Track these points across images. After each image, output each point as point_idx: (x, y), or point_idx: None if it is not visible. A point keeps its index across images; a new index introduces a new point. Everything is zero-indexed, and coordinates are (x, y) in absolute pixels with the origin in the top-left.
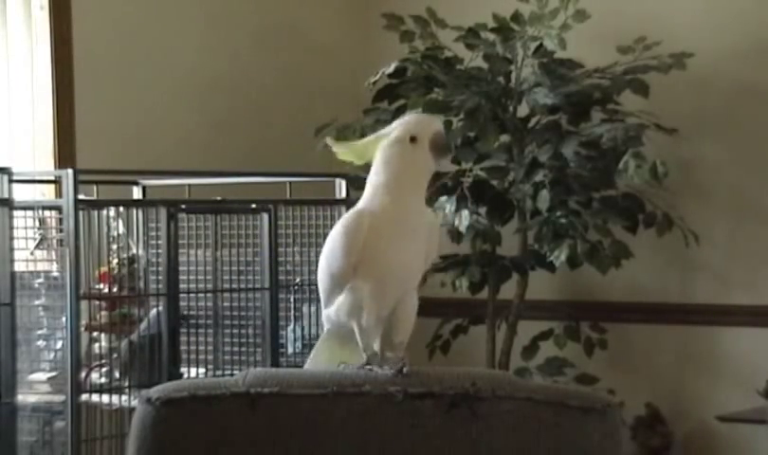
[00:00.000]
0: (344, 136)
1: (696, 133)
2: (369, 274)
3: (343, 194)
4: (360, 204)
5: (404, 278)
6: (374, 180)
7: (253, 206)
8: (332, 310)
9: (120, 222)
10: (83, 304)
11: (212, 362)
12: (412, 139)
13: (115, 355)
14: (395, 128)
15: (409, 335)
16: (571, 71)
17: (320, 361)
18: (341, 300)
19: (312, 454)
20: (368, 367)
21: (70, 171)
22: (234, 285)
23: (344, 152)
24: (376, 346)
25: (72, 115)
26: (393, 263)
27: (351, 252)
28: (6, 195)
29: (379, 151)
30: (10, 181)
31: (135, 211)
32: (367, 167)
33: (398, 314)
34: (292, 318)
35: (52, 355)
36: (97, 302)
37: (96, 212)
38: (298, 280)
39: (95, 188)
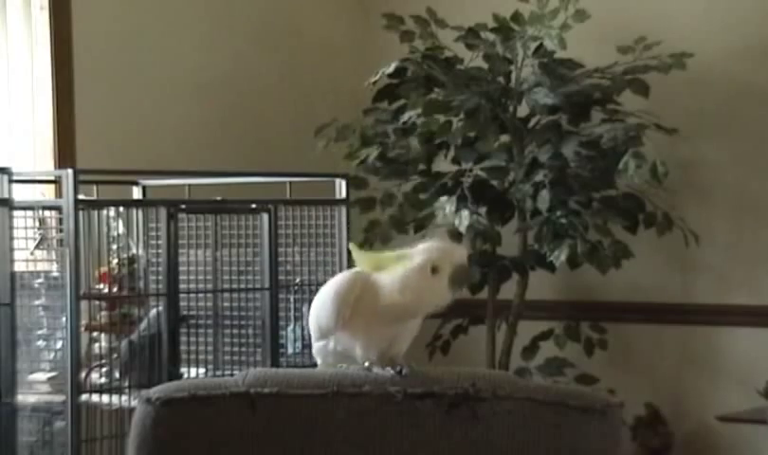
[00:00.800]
0: (344, 136)
1: (696, 133)
2: (357, 333)
3: (343, 194)
4: (367, 274)
5: (395, 336)
6: (387, 290)
7: (253, 206)
8: (326, 345)
9: (120, 222)
10: (83, 304)
11: (212, 362)
12: (434, 270)
13: (115, 355)
14: (420, 253)
15: (407, 346)
16: (571, 71)
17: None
18: (332, 345)
19: (312, 454)
20: (368, 367)
21: (70, 171)
22: (234, 285)
23: (363, 263)
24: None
25: (72, 115)
26: (380, 332)
27: (337, 317)
28: (6, 195)
29: (400, 273)
30: (10, 181)
31: (135, 211)
32: (367, 167)
33: (397, 339)
34: (292, 318)
35: (52, 355)
36: (97, 302)
37: (96, 212)
38: (298, 280)
39: (95, 188)
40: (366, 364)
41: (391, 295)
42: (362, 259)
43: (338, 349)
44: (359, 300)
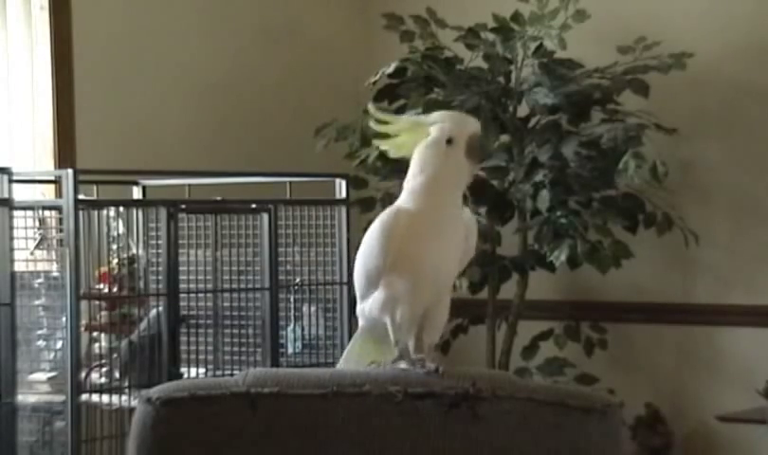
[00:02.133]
0: (344, 136)
1: (696, 133)
2: (404, 271)
3: (343, 194)
4: (397, 203)
5: (438, 277)
6: (410, 181)
7: (253, 206)
8: (366, 305)
9: (120, 222)
10: (83, 304)
11: (212, 362)
12: (449, 141)
13: (115, 355)
14: (433, 124)
15: (439, 336)
16: (571, 71)
17: (352, 358)
18: (376, 295)
19: (312, 454)
20: (401, 365)
21: (70, 171)
22: (234, 285)
23: (383, 140)
24: (411, 344)
25: (72, 115)
26: (427, 263)
27: (387, 251)
28: (6, 195)
29: (416, 152)
30: (10, 181)
31: (135, 211)
32: (367, 167)
33: (431, 315)
34: (292, 318)
35: (52, 355)
36: (97, 302)
37: (96, 212)
38: (298, 280)
39: (95, 188)
40: (396, 354)
41: (415, 178)
42: (378, 121)
43: (377, 306)
44: (407, 231)
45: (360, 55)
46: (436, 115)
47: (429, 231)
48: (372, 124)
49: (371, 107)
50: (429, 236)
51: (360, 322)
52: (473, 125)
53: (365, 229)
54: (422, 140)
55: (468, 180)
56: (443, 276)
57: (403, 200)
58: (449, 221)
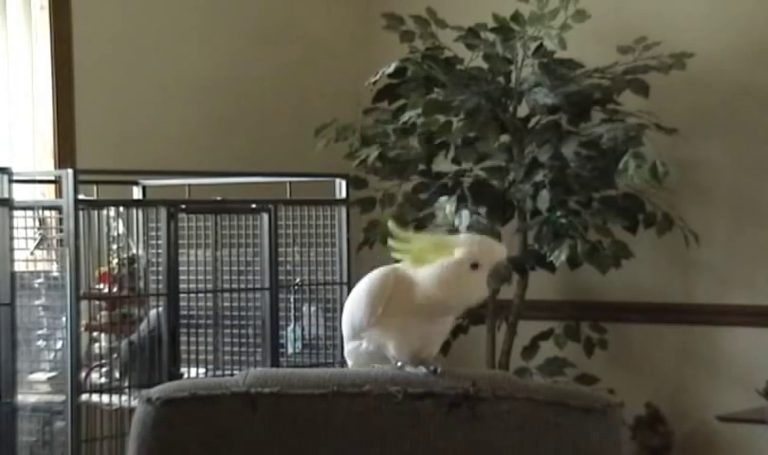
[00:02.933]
0: (344, 136)
1: (696, 133)
2: (390, 330)
3: (343, 194)
4: (400, 267)
5: (428, 335)
6: (422, 283)
7: (253, 206)
8: (358, 347)
9: (120, 222)
10: (83, 304)
11: (212, 362)
12: (474, 266)
13: (115, 355)
14: (460, 247)
15: (438, 348)
16: (571, 71)
17: None
18: (365, 345)
19: (312, 454)
20: (400, 366)
21: (70, 171)
22: (234, 285)
23: (399, 243)
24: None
25: (72, 115)
26: (413, 330)
27: (370, 313)
28: (6, 195)
29: (437, 266)
30: (10, 181)
31: (135, 211)
32: (367, 167)
33: (426, 340)
34: (292, 318)
35: (52, 355)
36: (97, 302)
37: (96, 212)
38: (298, 280)
39: (95, 188)
40: (399, 364)
41: (427, 289)
42: (399, 240)
43: (370, 349)
44: (393, 296)
45: (360, 55)
46: (464, 238)
47: (418, 317)
48: (391, 242)
49: (391, 225)
50: (416, 322)
51: (349, 363)
52: (501, 253)
53: (366, 229)
54: (444, 256)
55: (482, 299)
56: (434, 333)
57: (408, 274)
58: (441, 316)
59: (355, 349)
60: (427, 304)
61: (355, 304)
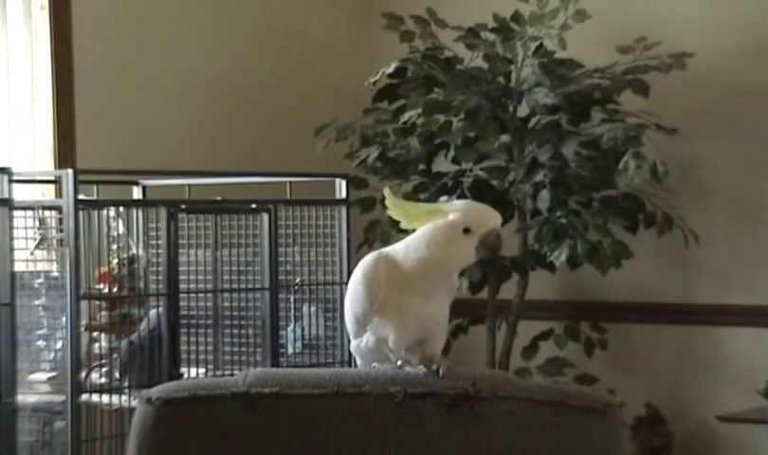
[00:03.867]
0: (344, 136)
1: (696, 133)
2: (391, 315)
3: (343, 194)
4: (386, 251)
5: (427, 319)
6: (412, 251)
7: (253, 206)
8: (360, 343)
9: (120, 222)
10: (83, 304)
11: (212, 362)
12: (466, 230)
13: (115, 355)
14: (454, 211)
15: (441, 346)
16: (571, 71)
17: None
18: (368, 336)
19: (312, 454)
20: (400, 365)
21: (70, 171)
22: (234, 285)
23: (395, 209)
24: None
25: (72, 115)
26: (413, 311)
27: (372, 297)
28: (6, 195)
29: (429, 227)
30: (10, 181)
31: (135, 211)
32: (367, 167)
33: (429, 333)
34: (292, 318)
35: (52, 355)
36: (97, 302)
37: (96, 212)
38: (298, 280)
39: (95, 188)
40: (399, 363)
41: (418, 250)
42: (395, 206)
43: (370, 345)
44: (388, 278)
45: (360, 55)
46: (459, 204)
47: (414, 292)
48: (388, 210)
49: (386, 193)
50: (411, 295)
51: (358, 361)
52: (495, 220)
53: (366, 229)
54: (438, 219)
55: (466, 266)
56: (430, 318)
57: (395, 250)
58: (437, 291)
59: (358, 345)
60: (419, 270)
61: (353, 295)
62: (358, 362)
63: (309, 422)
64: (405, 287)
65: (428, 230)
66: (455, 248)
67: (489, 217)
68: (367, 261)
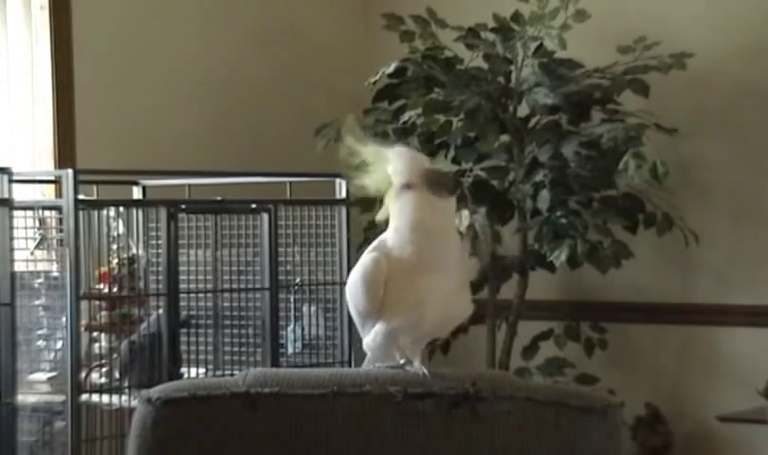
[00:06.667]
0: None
1: (696, 133)
2: (399, 309)
3: (343, 194)
4: (381, 243)
5: (439, 305)
6: (391, 225)
7: (253, 206)
8: (369, 338)
9: (120, 222)
10: (83, 304)
11: (212, 362)
12: (408, 186)
13: (115, 355)
14: (391, 157)
15: (447, 332)
16: (571, 71)
17: None
18: (376, 330)
19: (312, 454)
20: (402, 363)
21: (70, 171)
22: (234, 285)
23: (361, 175)
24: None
25: (72, 115)
26: (419, 299)
27: (372, 296)
28: (6, 195)
29: (388, 201)
30: (10, 181)
31: (135, 211)
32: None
33: (419, 295)
34: (292, 318)
35: (52, 355)
36: (97, 302)
37: (96, 212)
38: (298, 280)
39: (95, 188)
40: (402, 361)
41: (394, 229)
42: (349, 150)
43: (378, 341)
44: (391, 273)
45: (360, 55)
46: (390, 151)
47: (413, 271)
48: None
49: (347, 135)
50: (415, 275)
51: (369, 355)
52: (420, 163)
53: (366, 229)
54: (383, 167)
55: (452, 213)
56: (446, 301)
57: (388, 238)
58: (435, 256)
59: (367, 342)
60: (408, 247)
61: (354, 294)
62: (367, 357)
63: (309, 422)
64: (404, 273)
65: (390, 204)
66: (414, 206)
67: (415, 163)
68: (365, 258)
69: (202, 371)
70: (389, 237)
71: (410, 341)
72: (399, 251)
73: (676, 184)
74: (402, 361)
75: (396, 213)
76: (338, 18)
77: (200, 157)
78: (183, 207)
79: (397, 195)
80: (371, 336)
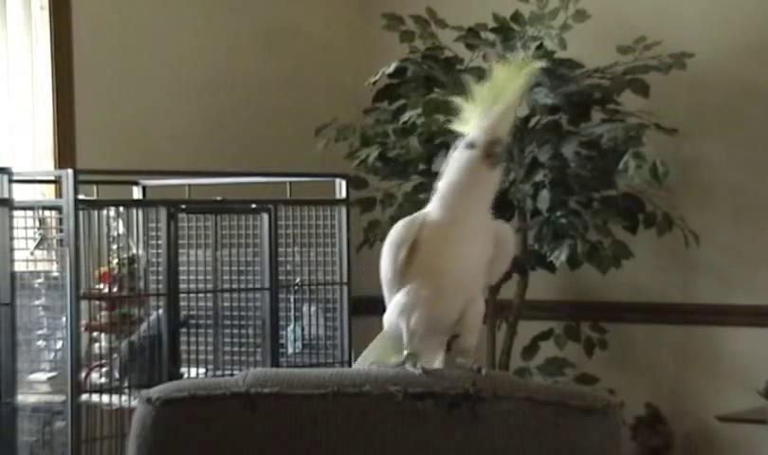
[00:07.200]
0: (344, 136)
1: (696, 133)
2: (425, 277)
3: (343, 194)
4: (425, 210)
5: (462, 285)
6: (439, 184)
7: (253, 206)
8: (389, 309)
9: (120, 222)
10: (83, 304)
11: (212, 362)
12: (471, 146)
13: (115, 355)
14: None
15: (476, 340)
16: (571, 71)
17: (368, 358)
18: (396, 299)
19: (312, 454)
20: (403, 365)
21: (70, 171)
22: (234, 285)
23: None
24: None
25: (72, 115)
26: (448, 272)
27: (395, 257)
28: (6, 195)
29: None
30: (10, 181)
31: (135, 211)
32: (367, 167)
33: (464, 321)
34: (292, 318)
35: (52, 355)
36: (97, 302)
37: (96, 212)
38: (298, 280)
39: (95, 188)
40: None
41: (440, 183)
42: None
43: (395, 314)
44: (422, 240)
45: (360, 55)
46: (496, 106)
47: (448, 241)
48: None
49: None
50: (449, 246)
51: (385, 326)
52: (504, 129)
53: (366, 229)
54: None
55: (493, 188)
56: (465, 281)
57: (430, 205)
58: (471, 230)
59: (389, 308)
60: (447, 212)
61: (384, 254)
62: (362, 355)
63: (309, 422)
64: (440, 242)
65: (452, 155)
66: (466, 170)
67: (489, 125)
68: (403, 220)
69: (202, 371)
70: (432, 203)
71: (422, 325)
72: (437, 216)
73: (676, 184)
74: (406, 353)
75: (449, 168)
76: (338, 18)
77: (200, 157)
78: (183, 207)
79: (459, 150)
80: (389, 309)
